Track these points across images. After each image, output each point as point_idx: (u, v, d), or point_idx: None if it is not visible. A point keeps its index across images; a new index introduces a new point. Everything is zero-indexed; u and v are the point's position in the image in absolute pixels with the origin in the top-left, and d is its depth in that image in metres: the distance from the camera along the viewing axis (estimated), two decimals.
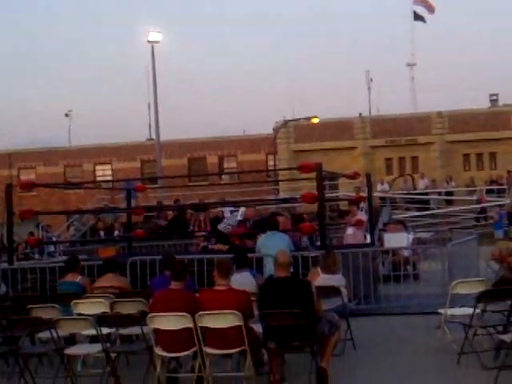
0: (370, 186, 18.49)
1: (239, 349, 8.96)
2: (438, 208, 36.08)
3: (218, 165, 49.17)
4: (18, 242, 15.91)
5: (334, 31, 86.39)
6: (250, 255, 12.85)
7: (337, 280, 11.16)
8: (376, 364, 10.02)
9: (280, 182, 40.73)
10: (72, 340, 10.58)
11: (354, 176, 18.78)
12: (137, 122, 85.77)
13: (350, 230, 17.50)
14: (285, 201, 31.22)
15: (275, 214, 16.74)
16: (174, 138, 48.49)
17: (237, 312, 8.82)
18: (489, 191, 37.45)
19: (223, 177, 46.54)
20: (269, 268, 12.57)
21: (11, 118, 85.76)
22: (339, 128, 45.90)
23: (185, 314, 8.92)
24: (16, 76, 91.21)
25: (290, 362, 9.60)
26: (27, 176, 47.13)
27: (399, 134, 45.26)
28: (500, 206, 32.31)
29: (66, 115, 58.10)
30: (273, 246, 13.05)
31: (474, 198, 35.37)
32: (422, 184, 39.49)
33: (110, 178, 48.22)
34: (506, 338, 8.81)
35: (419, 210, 34.72)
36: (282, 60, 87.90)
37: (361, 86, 59.50)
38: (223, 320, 8.90)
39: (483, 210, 33.77)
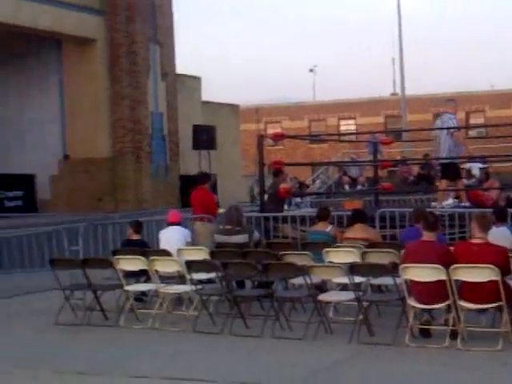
0: None
1: (495, 304, 8.74)
2: None
3: (465, 120, 47.82)
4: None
5: None
6: None
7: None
8: None
9: None
10: (322, 287, 10.76)
11: None
12: (379, 77, 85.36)
13: None
14: None
15: None
16: (419, 94, 47.74)
17: (493, 266, 8.58)
18: None
19: (470, 132, 45.20)
20: None
21: (257, 73, 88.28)
22: None
23: (439, 266, 8.79)
24: (263, 31, 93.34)
25: None
26: (273, 130, 48.19)
27: None
28: None
29: (311, 70, 58.85)
30: None
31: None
32: None
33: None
34: None
35: None
36: None
37: None
38: (479, 274, 8.69)
39: None
